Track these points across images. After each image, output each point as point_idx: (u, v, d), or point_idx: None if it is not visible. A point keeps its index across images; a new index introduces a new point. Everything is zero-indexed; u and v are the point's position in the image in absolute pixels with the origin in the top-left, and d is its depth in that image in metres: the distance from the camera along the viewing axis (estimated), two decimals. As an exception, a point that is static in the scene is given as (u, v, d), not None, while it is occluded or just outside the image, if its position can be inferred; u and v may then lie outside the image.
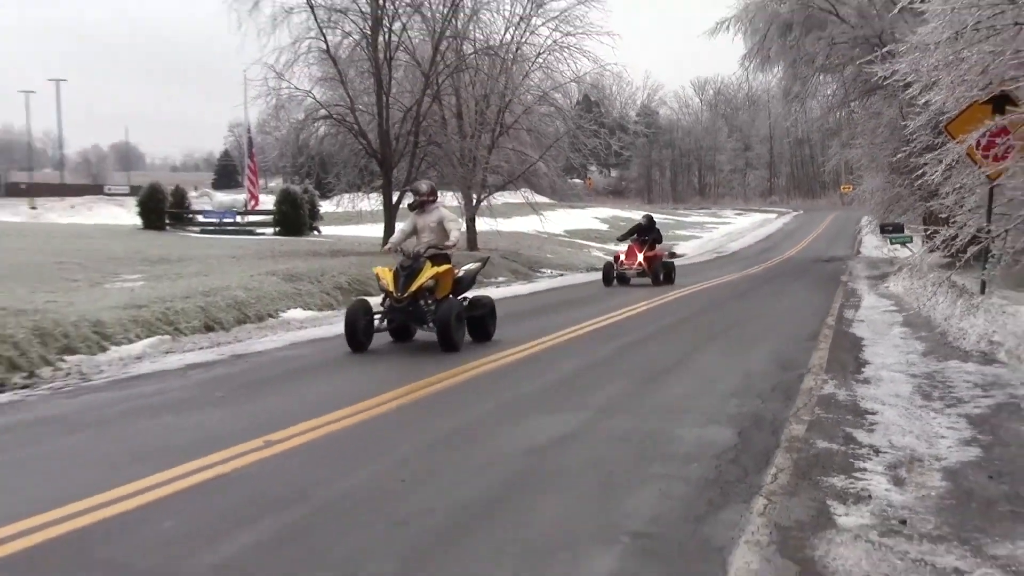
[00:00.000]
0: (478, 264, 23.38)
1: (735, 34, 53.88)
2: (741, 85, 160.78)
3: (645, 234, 42.14)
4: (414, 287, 20.21)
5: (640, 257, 40.51)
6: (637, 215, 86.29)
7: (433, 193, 22.14)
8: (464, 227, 20.44)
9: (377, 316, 20.86)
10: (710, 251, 74.51)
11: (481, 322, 21.82)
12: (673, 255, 65.99)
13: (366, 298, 22.56)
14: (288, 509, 9.59)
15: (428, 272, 20.42)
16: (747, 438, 12.74)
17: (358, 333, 20.19)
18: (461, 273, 21.88)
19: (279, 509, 9.58)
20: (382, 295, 20.93)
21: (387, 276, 20.67)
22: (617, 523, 9.12)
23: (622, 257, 41.25)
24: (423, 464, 11.39)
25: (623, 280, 40.69)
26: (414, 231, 21.79)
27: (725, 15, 53.82)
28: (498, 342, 21.55)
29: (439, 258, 21.02)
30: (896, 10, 28.49)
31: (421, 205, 21.66)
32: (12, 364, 18.03)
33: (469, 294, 22.61)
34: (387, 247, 22.48)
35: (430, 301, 20.56)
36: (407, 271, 20.47)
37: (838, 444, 12.40)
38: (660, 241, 43.20)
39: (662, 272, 41.28)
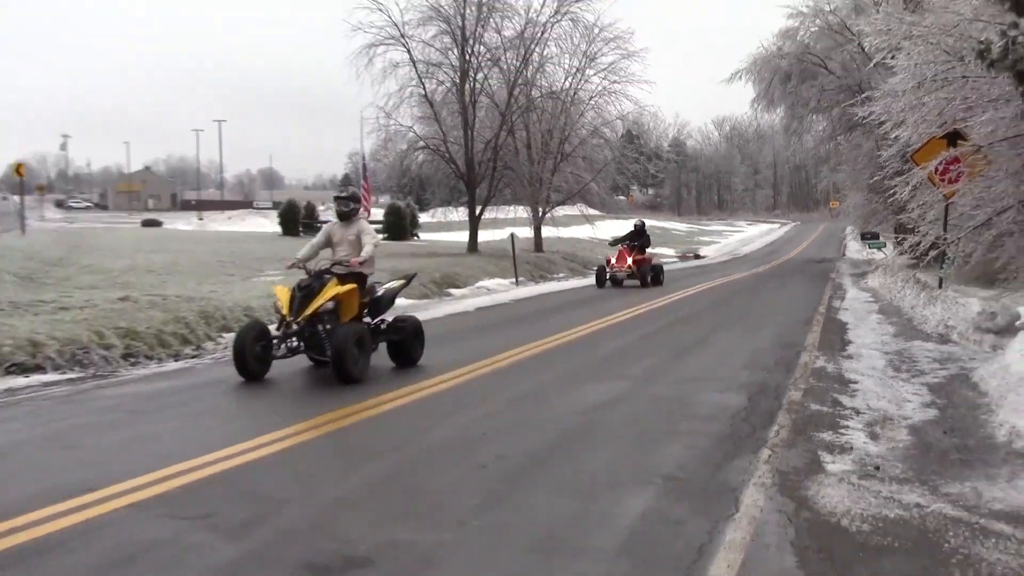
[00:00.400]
0: (401, 282, 17.00)
1: (746, 82, 54.31)
2: (751, 122, 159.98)
3: (635, 239, 37.82)
4: (310, 310, 14.43)
5: (629, 260, 36.19)
6: (670, 224, 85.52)
7: (356, 200, 16.08)
8: (379, 242, 16.66)
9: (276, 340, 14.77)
10: (727, 253, 73.98)
11: (402, 347, 15.83)
12: (697, 256, 65.68)
13: (263, 321, 16.20)
14: (391, 455, 9.64)
15: (328, 292, 14.51)
16: (755, 402, 12.69)
17: (248, 361, 14.23)
18: (380, 292, 16.06)
19: (384, 455, 9.64)
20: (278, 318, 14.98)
21: (284, 296, 14.95)
22: (651, 468, 9.11)
23: (613, 260, 36.62)
24: (499, 420, 11.41)
25: (615, 282, 35.84)
26: (328, 244, 15.88)
27: (739, 67, 54.41)
28: (563, 322, 21.65)
29: (349, 277, 15.12)
30: (872, 65, 29.19)
31: (346, 216, 15.68)
32: (184, 339, 18.23)
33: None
34: (290, 263, 15.94)
35: (329, 326, 14.56)
36: (304, 291, 14.71)
37: (827, 407, 12.35)
38: (648, 245, 38.54)
39: (650, 274, 36.58)
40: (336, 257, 15.62)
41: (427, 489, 8.37)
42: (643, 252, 37.46)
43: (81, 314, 18.85)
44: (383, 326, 15.92)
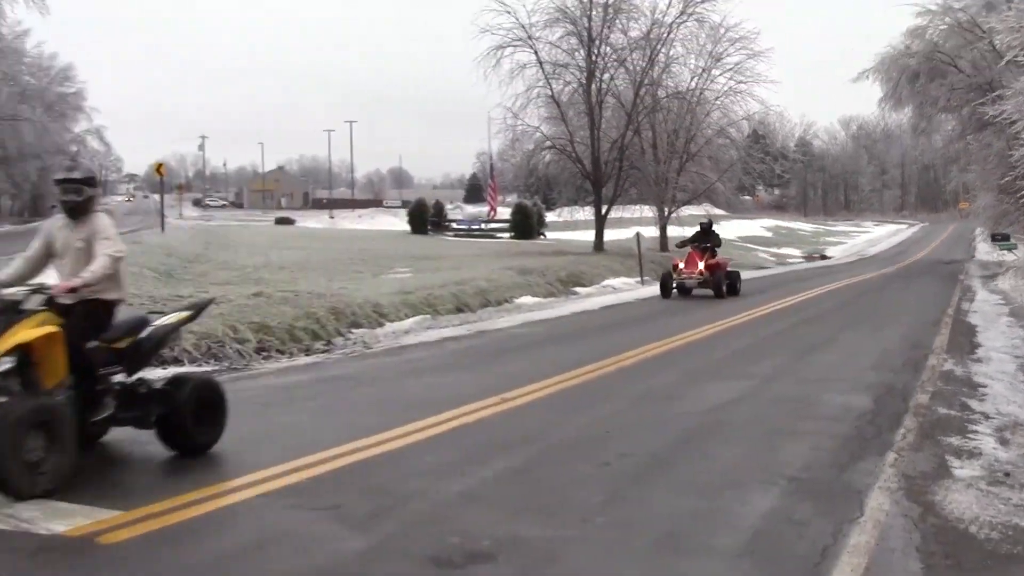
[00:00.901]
0: (185, 314, 10.26)
1: (873, 81, 53.13)
2: (878, 122, 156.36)
3: (704, 241, 31.15)
4: None
5: (701, 265, 29.62)
6: (795, 224, 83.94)
7: (90, 184, 9.25)
8: (122, 250, 8.99)
9: None
10: (853, 254, 72.78)
11: (174, 424, 9.23)
12: (824, 257, 64.61)
13: None
14: (516, 451, 9.64)
15: (10, 339, 7.98)
16: (881, 404, 12.44)
17: None
18: (145, 333, 9.43)
19: (510, 450, 9.64)
20: None
21: None
22: (775, 468, 8.99)
23: (681, 265, 30.05)
24: (623, 418, 11.37)
25: (683, 291, 29.88)
26: (47, 254, 9.37)
27: (866, 66, 53.25)
28: (688, 321, 21.53)
29: (79, 307, 8.64)
30: (1003, 63, 28.38)
31: (76, 210, 9.08)
32: (315, 334, 18.45)
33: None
34: None
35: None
36: None
37: (955, 410, 12.06)
38: (719, 246, 31.99)
39: (725, 283, 30.21)
40: (56, 275, 9.34)
41: (551, 485, 8.36)
42: (715, 255, 31.06)
43: (216, 309, 19.16)
44: (142, 389, 9.46)
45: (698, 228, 32.59)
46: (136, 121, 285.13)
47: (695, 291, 29.87)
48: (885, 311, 26.66)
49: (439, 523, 7.22)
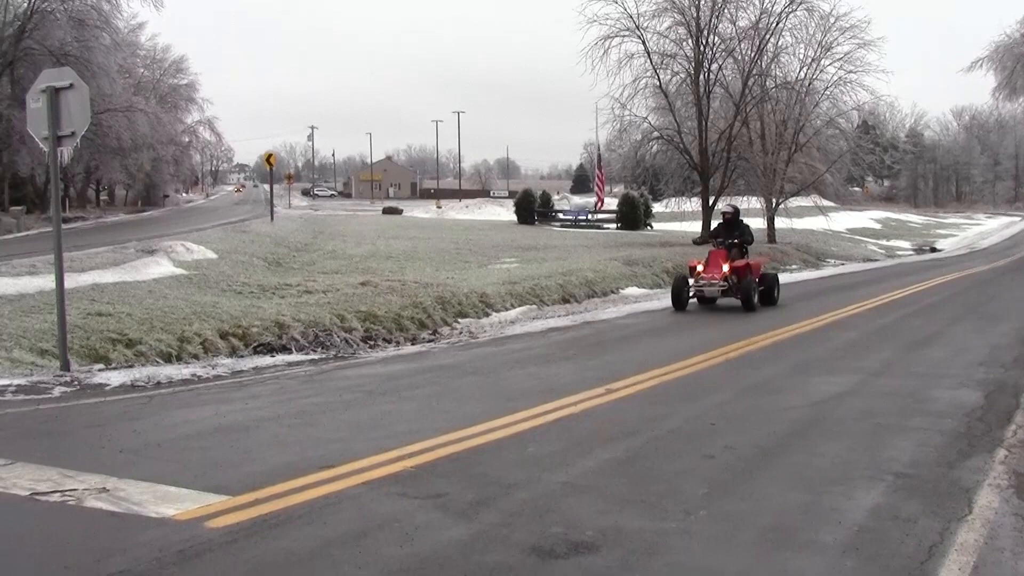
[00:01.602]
0: None
1: (987, 71, 52.22)
2: (991, 112, 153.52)
3: (728, 234, 24.57)
4: None
5: (725, 268, 23.14)
6: (905, 216, 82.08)
7: None
8: None
9: None
10: (964, 247, 71.29)
11: None
12: (934, 249, 63.32)
13: None
14: (620, 442, 9.62)
15: None
16: (992, 400, 12.18)
17: None
18: None
19: (614, 441, 9.62)
20: None
21: None
22: (882, 464, 8.85)
23: (699, 268, 23.52)
24: (729, 410, 11.28)
25: (704, 301, 23.54)
26: None
27: (979, 55, 52.13)
28: (795, 313, 21.24)
29: None
30: None
31: None
32: (421, 323, 18.66)
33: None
34: None
35: None
36: None
37: (1069, 407, 11.79)
38: (750, 242, 24.90)
39: (758, 290, 23.51)
40: None
41: (655, 477, 8.33)
42: (743, 254, 24.41)
43: (324, 298, 19.47)
44: None
45: (720, 221, 25.99)
46: (247, 111, 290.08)
47: (719, 301, 23.53)
48: (996, 305, 26.07)
49: (542, 513, 7.24)
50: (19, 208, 61.67)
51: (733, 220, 24.73)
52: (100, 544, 6.50)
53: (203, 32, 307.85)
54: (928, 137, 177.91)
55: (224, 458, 8.92)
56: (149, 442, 9.58)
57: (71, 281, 17.01)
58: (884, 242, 67.04)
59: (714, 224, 28.77)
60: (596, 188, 77.39)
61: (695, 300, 23.42)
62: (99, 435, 9.89)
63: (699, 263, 23.56)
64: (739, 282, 22.89)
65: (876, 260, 51.52)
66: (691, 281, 23.21)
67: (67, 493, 7.57)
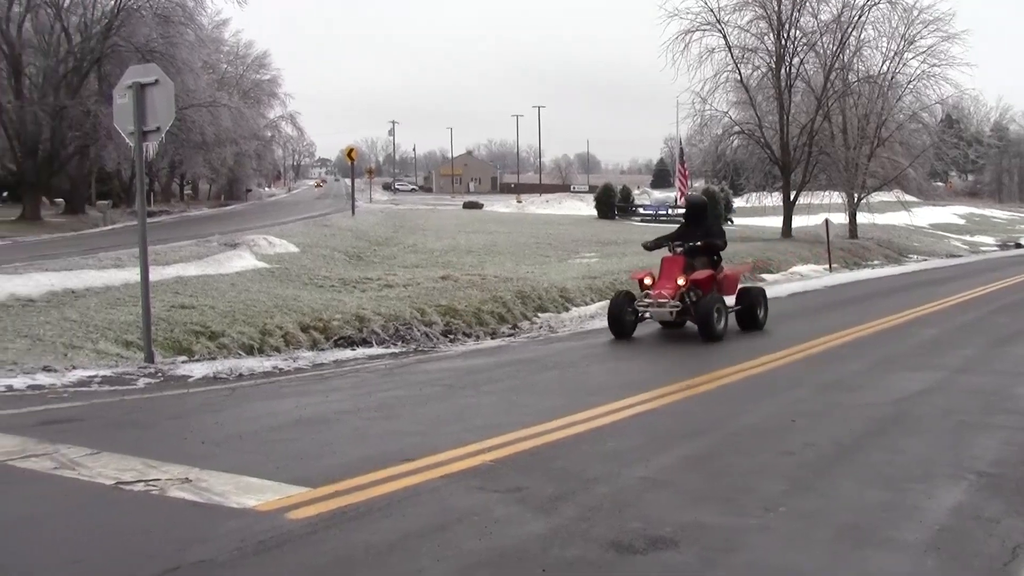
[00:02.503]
0: None
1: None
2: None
3: (690, 235, 18.16)
4: None
5: (680, 281, 17.01)
6: (989, 212, 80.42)
7: None
8: None
9: None
10: (1052, 243, 70.19)
11: None
12: (1019, 245, 62.10)
13: None
14: (700, 437, 9.60)
15: None
16: (1080, 397, 11.98)
17: None
18: None
19: (693, 437, 9.60)
20: None
21: None
22: (964, 463, 8.71)
23: (648, 280, 17.45)
24: (808, 407, 11.18)
25: (663, 323, 17.54)
26: None
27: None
28: (876, 309, 21.00)
29: None
30: None
31: None
32: (501, 318, 18.71)
33: None
34: None
35: None
36: None
37: None
38: (720, 244, 18.28)
39: (726, 312, 17.25)
40: None
41: (734, 473, 8.28)
42: (714, 262, 18.10)
43: (404, 292, 19.60)
44: None
45: (683, 217, 20.41)
46: (327, 106, 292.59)
47: (678, 324, 17.55)
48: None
49: (621, 508, 7.23)
50: (105, 202, 62.80)
51: (700, 212, 18.55)
52: (182, 534, 6.60)
53: (284, 25, 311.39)
54: (1013, 131, 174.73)
55: (305, 450, 9.02)
56: (231, 434, 9.71)
57: (155, 274, 17.28)
58: (967, 238, 66.08)
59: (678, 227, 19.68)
60: (678, 183, 77.07)
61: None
62: (182, 426, 10.04)
63: (648, 275, 17.48)
64: (699, 302, 16.82)
65: (959, 256, 50.86)
66: (638, 302, 17.13)
67: (151, 483, 7.69)
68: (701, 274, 17.13)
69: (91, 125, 54.66)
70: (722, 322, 16.64)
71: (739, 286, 18.68)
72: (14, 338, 14.25)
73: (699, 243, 17.76)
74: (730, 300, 17.91)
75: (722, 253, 18.45)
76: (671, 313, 16.74)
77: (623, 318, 16.85)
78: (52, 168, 58.78)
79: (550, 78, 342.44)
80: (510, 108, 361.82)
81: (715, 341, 16.11)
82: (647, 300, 16.86)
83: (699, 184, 72.83)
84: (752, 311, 18.11)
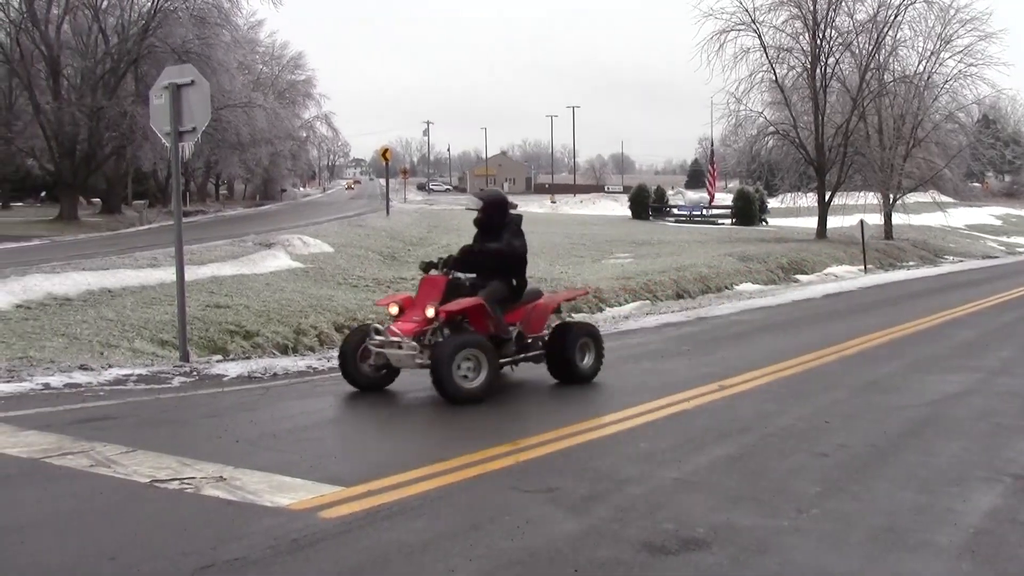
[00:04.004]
0: None
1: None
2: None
3: (475, 255, 12.36)
4: None
5: (430, 312, 11.52)
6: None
7: None
8: None
9: None
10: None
11: None
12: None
13: None
14: (733, 438, 9.56)
15: None
16: (1118, 400, 11.88)
17: None
18: None
19: (726, 438, 9.57)
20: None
21: None
22: (1001, 466, 8.65)
23: (394, 310, 12.02)
24: (843, 408, 11.14)
25: (395, 372, 12.17)
26: None
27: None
28: (912, 310, 20.89)
29: None
30: None
31: None
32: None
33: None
34: None
35: None
36: None
37: None
38: (514, 261, 12.33)
39: (483, 363, 11.21)
40: None
41: (767, 474, 8.26)
42: (510, 287, 12.31)
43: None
44: None
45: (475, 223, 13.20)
46: (362, 106, 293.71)
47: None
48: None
49: (653, 509, 7.22)
50: (142, 202, 63.20)
51: (491, 216, 12.69)
52: (216, 532, 6.64)
53: (318, 26, 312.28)
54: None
55: (338, 449, 9.08)
56: (265, 432, 9.75)
57: (191, 274, 17.36)
58: (1004, 239, 65.54)
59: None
60: (708, 183, 76.96)
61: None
62: (216, 425, 10.10)
63: (395, 302, 12.28)
64: (436, 344, 11.43)
65: (995, 257, 50.48)
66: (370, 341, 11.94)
67: (185, 481, 7.74)
68: (462, 303, 11.64)
69: (128, 126, 55.07)
70: (480, 377, 11.18)
71: (567, 322, 14.41)
72: (51, 337, 14.37)
73: (480, 257, 12.38)
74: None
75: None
76: (414, 358, 11.48)
77: (348, 366, 11.97)
78: (89, 168, 59.28)
79: (585, 78, 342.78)
80: (544, 108, 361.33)
81: (455, 402, 10.94)
82: (379, 338, 11.79)
83: (733, 184, 72.67)
84: (565, 357, 12.50)
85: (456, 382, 10.97)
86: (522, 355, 12.40)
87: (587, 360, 12.77)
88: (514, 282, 12.33)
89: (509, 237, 12.27)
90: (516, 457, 8.60)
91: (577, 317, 19.61)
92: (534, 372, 12.95)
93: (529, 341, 12.43)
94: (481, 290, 11.84)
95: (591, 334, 13.11)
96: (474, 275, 12.09)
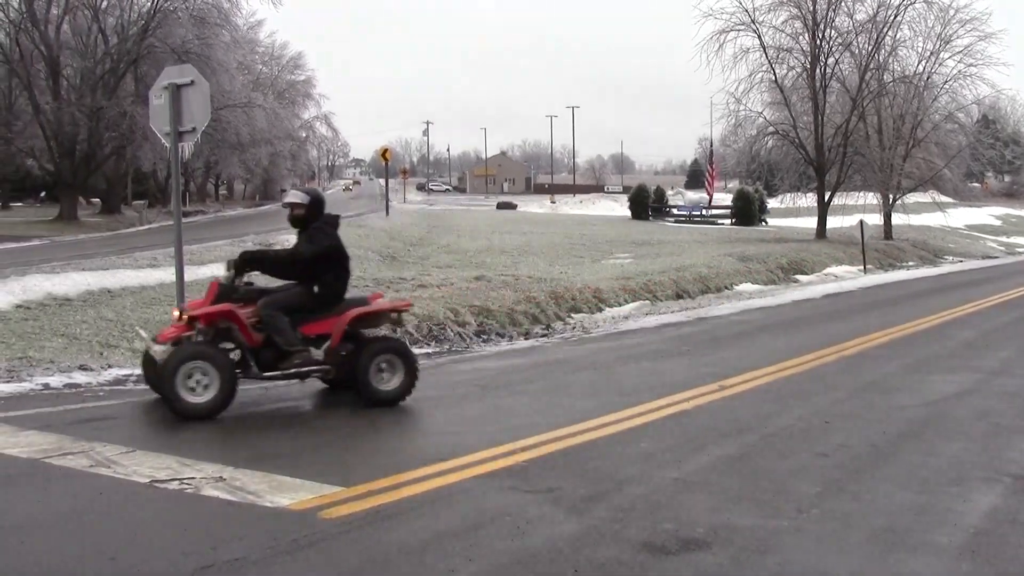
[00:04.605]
0: None
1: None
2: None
3: (256, 257, 11.60)
4: None
5: (175, 315, 11.18)
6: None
7: None
8: None
9: None
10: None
11: None
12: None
13: None
14: (733, 439, 9.56)
15: None
16: (1117, 400, 11.88)
17: None
18: None
19: (726, 438, 9.57)
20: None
21: None
22: (1000, 466, 8.66)
23: (176, 315, 11.05)
24: (843, 409, 11.14)
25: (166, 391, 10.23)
26: None
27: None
28: (912, 311, 20.88)
29: None
30: None
31: None
32: (535, 318, 18.70)
33: None
34: None
35: None
36: None
37: None
38: (303, 268, 11.17)
39: (219, 377, 10.16)
40: None
41: (767, 474, 8.26)
42: (306, 293, 11.16)
43: (438, 292, 19.63)
44: None
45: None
46: (361, 106, 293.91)
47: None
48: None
49: (653, 509, 7.23)
50: (141, 202, 63.32)
51: (304, 221, 11.47)
52: (216, 532, 6.65)
53: (318, 26, 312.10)
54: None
55: (338, 449, 9.08)
56: (265, 433, 9.76)
57: (190, 274, 17.34)
58: (1004, 239, 65.53)
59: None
60: (707, 184, 76.97)
61: None
62: (216, 425, 10.08)
63: (183, 308, 11.35)
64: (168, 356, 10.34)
65: (995, 257, 50.47)
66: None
67: (185, 481, 7.75)
68: (209, 309, 10.71)
69: (127, 126, 55.03)
70: (210, 392, 10.16)
71: (368, 336, 11.66)
72: (51, 337, 14.38)
73: (264, 258, 11.86)
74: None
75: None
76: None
77: (148, 373, 11.31)
78: (89, 168, 59.25)
79: (584, 79, 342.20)
80: (544, 109, 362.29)
81: (184, 417, 10.02)
82: (158, 348, 10.72)
83: (733, 184, 72.73)
84: (356, 375, 11.01)
85: (182, 396, 10.05)
86: (305, 369, 10.93)
87: (392, 381, 11.18)
88: (315, 288, 11.16)
89: (305, 239, 11.34)
90: (517, 457, 8.59)
91: (577, 318, 19.62)
92: (534, 372, 12.94)
93: (344, 355, 11.09)
94: (268, 296, 10.98)
95: (397, 351, 11.51)
96: (251, 282, 11.21)
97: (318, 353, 11.00)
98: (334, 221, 11.74)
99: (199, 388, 10.11)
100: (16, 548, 6.41)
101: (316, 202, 11.71)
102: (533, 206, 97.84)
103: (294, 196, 11.72)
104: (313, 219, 11.44)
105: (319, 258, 11.14)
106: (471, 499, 7.46)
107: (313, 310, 11.06)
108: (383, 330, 12.42)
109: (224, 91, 57.27)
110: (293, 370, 10.87)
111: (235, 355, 10.72)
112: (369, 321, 11.53)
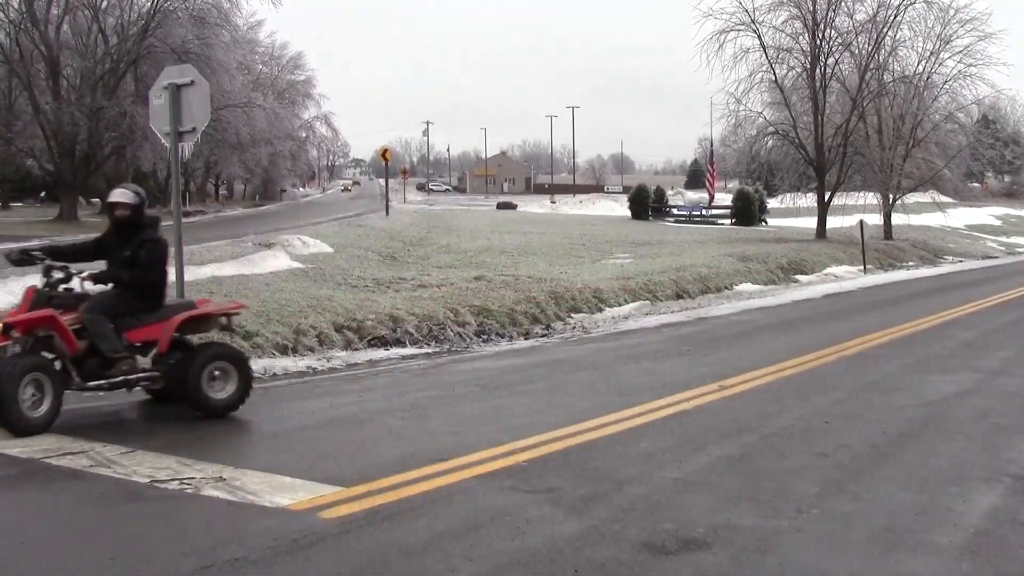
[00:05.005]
0: None
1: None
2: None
3: (114, 253, 10.88)
4: None
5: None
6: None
7: None
8: None
9: None
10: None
11: None
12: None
13: None
14: (733, 439, 9.56)
15: None
16: (1118, 400, 11.87)
17: None
18: None
19: (726, 438, 9.57)
20: None
21: None
22: (1000, 466, 8.66)
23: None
24: (843, 409, 11.14)
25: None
26: None
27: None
28: (912, 311, 20.87)
29: None
30: None
31: None
32: (535, 318, 18.70)
33: None
34: None
35: None
36: None
37: None
38: (145, 275, 10.64)
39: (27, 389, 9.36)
40: None
41: (767, 474, 8.26)
42: (125, 297, 10.54)
43: (438, 292, 19.63)
44: None
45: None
46: (361, 106, 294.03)
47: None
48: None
49: (653, 509, 7.23)
50: (142, 202, 62.97)
51: (129, 221, 10.79)
52: (216, 532, 6.66)
53: (318, 26, 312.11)
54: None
55: (338, 450, 9.07)
56: (265, 433, 9.78)
57: (191, 274, 17.35)
58: (1004, 239, 65.46)
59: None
60: (707, 183, 76.97)
61: None
62: (216, 425, 10.09)
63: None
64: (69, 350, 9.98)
65: (995, 257, 50.43)
66: None
67: (185, 481, 7.75)
68: (27, 316, 9.95)
69: (127, 126, 54.95)
70: (44, 406, 9.53)
71: (199, 342, 11.33)
72: (51, 337, 14.37)
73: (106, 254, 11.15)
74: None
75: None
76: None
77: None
78: (89, 168, 59.15)
79: (584, 78, 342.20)
80: (544, 109, 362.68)
81: (20, 434, 9.22)
82: None
83: (733, 185, 72.78)
84: (187, 383, 10.39)
85: (22, 411, 9.29)
86: (132, 377, 10.31)
87: (225, 389, 10.62)
88: (129, 293, 10.51)
89: (129, 256, 10.66)
90: (516, 457, 8.60)
91: (577, 318, 19.61)
92: (534, 372, 12.95)
93: (172, 363, 10.50)
94: (90, 300, 10.37)
95: (231, 358, 10.89)
96: (71, 285, 10.62)
97: (145, 361, 10.43)
98: (155, 223, 11.16)
99: (31, 402, 9.42)
100: (16, 548, 6.42)
101: (144, 203, 10.96)
102: (533, 206, 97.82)
103: (121, 195, 10.82)
104: (139, 220, 10.80)
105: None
106: (471, 499, 7.46)
107: (136, 312, 10.49)
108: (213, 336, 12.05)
109: (224, 91, 57.21)
110: (120, 378, 10.26)
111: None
112: (197, 326, 11.13)
